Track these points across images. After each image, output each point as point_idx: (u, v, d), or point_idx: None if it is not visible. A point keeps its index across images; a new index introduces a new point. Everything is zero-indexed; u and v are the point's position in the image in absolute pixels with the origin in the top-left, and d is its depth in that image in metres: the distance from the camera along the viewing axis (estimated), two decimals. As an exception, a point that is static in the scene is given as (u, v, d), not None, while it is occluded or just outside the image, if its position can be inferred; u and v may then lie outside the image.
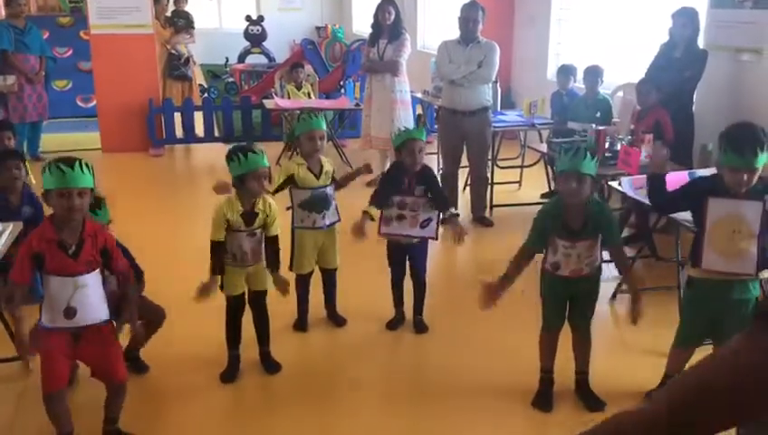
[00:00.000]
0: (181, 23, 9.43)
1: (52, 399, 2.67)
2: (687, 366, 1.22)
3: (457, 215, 3.66)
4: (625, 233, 5.15)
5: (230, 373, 3.34)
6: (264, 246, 3.25)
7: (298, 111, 7.29)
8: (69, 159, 2.53)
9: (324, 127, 3.62)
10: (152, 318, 3.28)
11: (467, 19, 5.30)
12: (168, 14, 9.45)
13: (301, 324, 3.82)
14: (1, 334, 3.45)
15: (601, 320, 3.20)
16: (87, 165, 2.55)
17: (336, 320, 3.88)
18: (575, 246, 2.90)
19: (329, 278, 3.86)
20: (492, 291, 2.93)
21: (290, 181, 3.55)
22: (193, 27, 9.57)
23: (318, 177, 3.58)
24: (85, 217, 2.60)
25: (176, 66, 9.04)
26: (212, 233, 3.15)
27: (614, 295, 4.21)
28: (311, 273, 3.78)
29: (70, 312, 2.56)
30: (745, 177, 2.70)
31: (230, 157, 3.10)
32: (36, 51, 7.32)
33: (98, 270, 2.63)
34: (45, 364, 2.64)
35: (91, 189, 2.57)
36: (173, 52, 9.01)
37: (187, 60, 9.20)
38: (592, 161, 2.86)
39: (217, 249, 3.15)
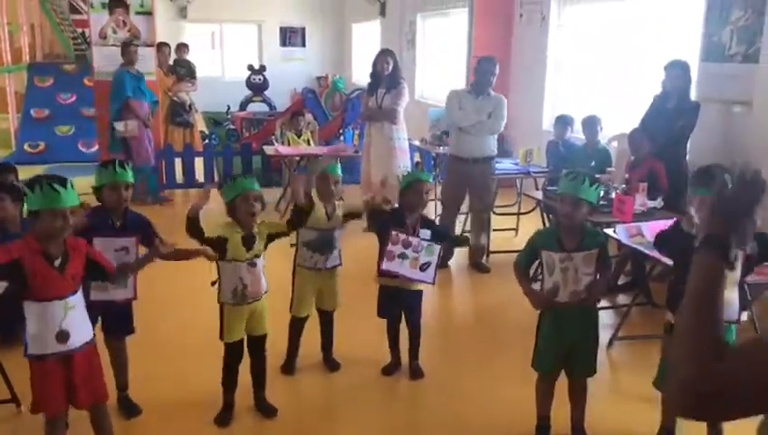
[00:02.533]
0: (183, 71, 9.62)
1: (56, 423, 2.68)
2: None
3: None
4: (621, 280, 5.18)
5: (224, 417, 3.30)
6: (263, 278, 3.24)
7: (298, 158, 7.41)
8: (60, 178, 2.52)
9: (339, 173, 3.71)
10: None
11: (486, 72, 5.43)
12: (171, 62, 9.65)
13: (288, 368, 3.80)
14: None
15: (598, 367, 3.18)
16: (71, 180, 2.56)
17: (331, 365, 3.86)
18: (572, 257, 2.92)
19: (326, 320, 3.86)
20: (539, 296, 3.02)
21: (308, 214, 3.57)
22: (194, 76, 9.76)
23: (329, 217, 3.65)
24: None
25: (178, 113, 9.18)
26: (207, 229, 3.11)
27: (610, 342, 4.20)
28: (306, 317, 3.79)
29: (63, 335, 2.55)
30: None
31: (221, 184, 3.22)
32: (149, 96, 7.53)
33: (80, 291, 2.63)
34: (42, 391, 2.62)
35: (78, 206, 2.58)
36: (175, 99, 9.17)
37: (190, 107, 9.35)
38: (591, 187, 2.91)
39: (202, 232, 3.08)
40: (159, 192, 7.76)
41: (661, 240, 3.06)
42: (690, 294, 1.21)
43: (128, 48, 7.38)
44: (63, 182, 2.50)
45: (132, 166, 3.20)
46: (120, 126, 7.26)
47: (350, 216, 3.75)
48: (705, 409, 1.14)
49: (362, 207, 3.84)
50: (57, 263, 2.54)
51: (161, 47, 9.09)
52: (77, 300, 2.61)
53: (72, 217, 2.53)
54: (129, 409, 3.35)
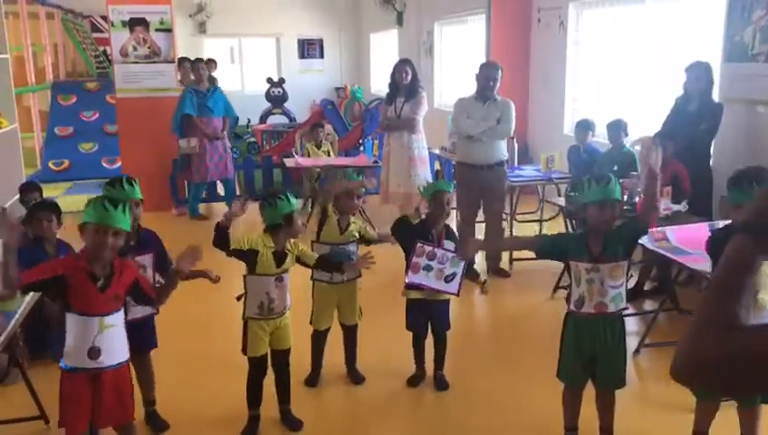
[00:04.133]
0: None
1: None
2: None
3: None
4: (647, 286, 5.11)
5: (250, 432, 3.31)
6: (288, 294, 3.26)
7: (318, 169, 7.43)
8: (115, 199, 2.61)
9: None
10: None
11: (488, 78, 5.41)
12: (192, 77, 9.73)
13: (312, 380, 3.80)
14: (22, 394, 3.46)
15: (626, 375, 3.13)
16: (127, 206, 2.62)
17: (355, 377, 3.85)
18: (598, 268, 2.88)
19: (349, 334, 3.85)
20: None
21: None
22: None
23: (342, 231, 3.63)
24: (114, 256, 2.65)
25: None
26: (234, 241, 3.10)
27: (638, 350, 4.14)
28: (327, 329, 3.78)
29: (94, 352, 2.57)
30: None
31: (270, 201, 3.15)
32: (220, 112, 7.70)
33: (122, 310, 2.66)
34: (67, 407, 2.64)
35: (127, 232, 2.63)
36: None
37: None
38: (617, 186, 2.93)
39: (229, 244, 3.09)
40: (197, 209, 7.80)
41: (714, 247, 2.94)
42: (718, 274, 1.14)
43: (196, 65, 7.56)
44: (116, 203, 2.57)
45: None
46: (182, 142, 7.47)
47: (365, 240, 3.73)
48: (704, 374, 1.09)
49: (376, 235, 3.82)
50: (100, 284, 2.58)
51: (182, 63, 9.19)
52: (116, 320, 2.63)
53: (116, 239, 2.57)
54: (158, 424, 3.36)
